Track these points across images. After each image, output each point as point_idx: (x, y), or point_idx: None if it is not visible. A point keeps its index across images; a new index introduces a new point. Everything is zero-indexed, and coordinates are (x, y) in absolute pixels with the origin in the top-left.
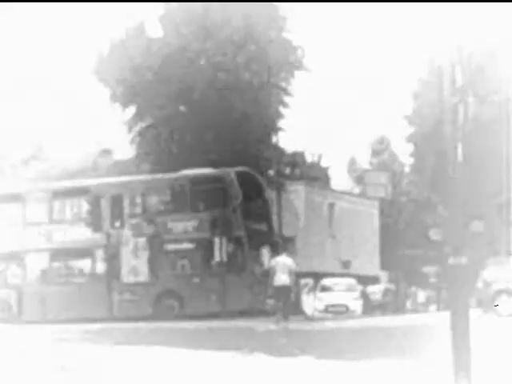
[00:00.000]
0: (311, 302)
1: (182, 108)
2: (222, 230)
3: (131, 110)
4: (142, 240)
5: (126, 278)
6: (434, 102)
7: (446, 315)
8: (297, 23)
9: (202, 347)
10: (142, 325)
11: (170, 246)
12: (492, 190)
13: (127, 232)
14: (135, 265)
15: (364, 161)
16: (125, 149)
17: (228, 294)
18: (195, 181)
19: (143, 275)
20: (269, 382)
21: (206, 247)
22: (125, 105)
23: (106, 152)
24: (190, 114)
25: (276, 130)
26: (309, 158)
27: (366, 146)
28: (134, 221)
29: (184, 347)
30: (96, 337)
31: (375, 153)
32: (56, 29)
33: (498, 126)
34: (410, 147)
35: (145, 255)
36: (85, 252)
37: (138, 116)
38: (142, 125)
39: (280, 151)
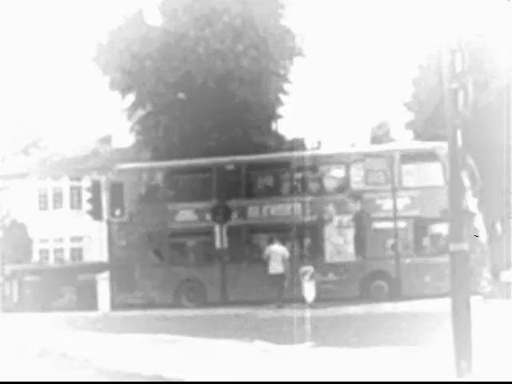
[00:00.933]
0: (312, 289)
1: (181, 95)
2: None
3: (130, 98)
4: (346, 218)
5: (330, 257)
6: (434, 88)
7: (447, 302)
8: (296, 10)
9: None
10: None
11: (379, 225)
12: (492, 176)
13: (330, 209)
14: (339, 243)
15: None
16: (124, 136)
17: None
18: (405, 155)
19: (349, 255)
20: (270, 368)
21: (418, 226)
22: (124, 92)
23: (106, 140)
24: (190, 101)
25: (275, 117)
26: (308, 145)
27: (366, 132)
28: (338, 197)
29: None
30: None
31: (375, 139)
32: (54, 16)
33: (498, 113)
34: (410, 134)
35: (350, 233)
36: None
37: (138, 104)
38: (141, 112)
39: (279, 138)
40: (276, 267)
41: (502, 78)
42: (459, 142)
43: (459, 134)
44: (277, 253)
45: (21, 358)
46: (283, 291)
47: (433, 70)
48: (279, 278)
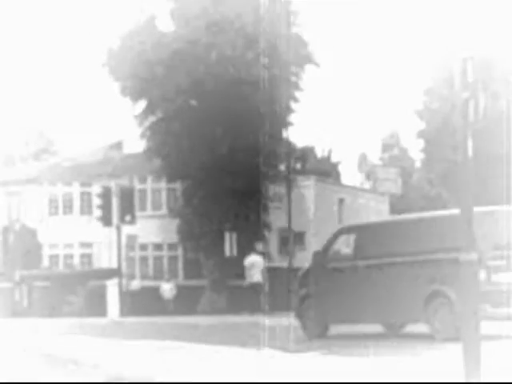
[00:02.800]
0: None
1: (192, 102)
2: None
3: (142, 104)
4: None
5: None
6: (446, 97)
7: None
8: (308, 18)
9: None
10: None
11: None
12: (502, 186)
13: None
14: None
15: (374, 156)
16: (135, 142)
17: None
18: None
19: None
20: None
21: None
22: (135, 98)
23: (117, 146)
24: (201, 108)
25: (286, 124)
26: (319, 153)
27: (377, 141)
28: None
29: None
30: None
31: (386, 148)
32: (67, 22)
33: (509, 122)
34: (421, 143)
35: None
36: None
37: (149, 110)
38: (152, 119)
39: (290, 146)
40: (255, 276)
41: None
42: (469, 151)
43: (470, 143)
44: (257, 263)
45: (29, 362)
46: (260, 299)
47: (444, 79)
48: (258, 286)
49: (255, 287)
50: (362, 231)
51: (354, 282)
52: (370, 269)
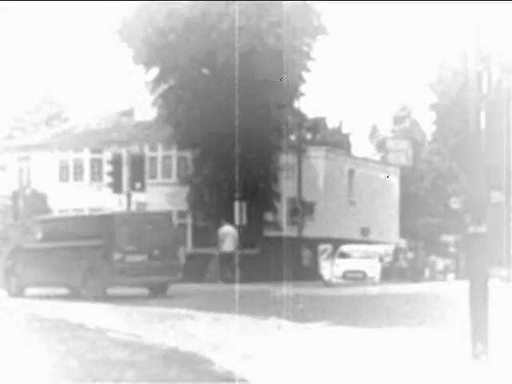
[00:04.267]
0: (329, 268)
1: (204, 71)
2: None
3: (154, 72)
4: None
5: None
6: (459, 70)
7: (464, 284)
8: None
9: None
10: None
11: None
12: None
13: None
14: None
15: (386, 128)
16: (147, 110)
17: None
18: None
19: None
20: (284, 346)
21: None
22: (148, 66)
23: (128, 113)
24: (213, 77)
25: (298, 95)
26: (330, 124)
27: (388, 113)
28: None
29: None
30: None
31: (397, 120)
32: None
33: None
34: (433, 115)
35: None
36: None
37: (161, 78)
38: (164, 87)
39: (301, 116)
40: (228, 246)
41: None
42: (482, 124)
43: (483, 116)
44: (228, 233)
45: (37, 328)
46: (233, 267)
47: (458, 52)
48: (230, 255)
49: (227, 256)
50: (48, 223)
51: (41, 259)
52: (50, 250)
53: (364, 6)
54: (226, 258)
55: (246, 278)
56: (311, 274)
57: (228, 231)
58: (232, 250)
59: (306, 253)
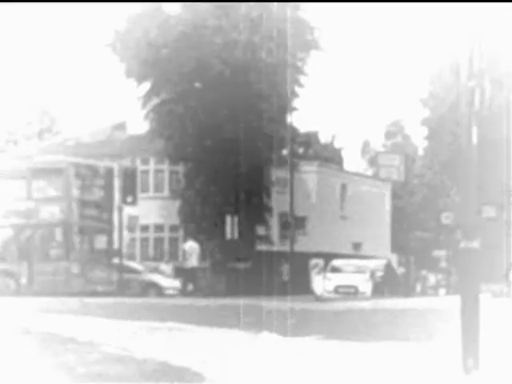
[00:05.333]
0: (321, 283)
1: (196, 85)
2: None
3: (146, 86)
4: None
5: None
6: (450, 85)
7: (455, 299)
8: (314, 3)
9: None
10: None
11: None
12: (505, 175)
13: None
14: None
15: (378, 143)
16: (139, 124)
17: None
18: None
19: None
20: (276, 360)
21: None
22: (140, 80)
23: (120, 126)
24: (205, 91)
25: (290, 109)
26: (322, 139)
27: (380, 128)
28: None
29: None
30: None
31: (389, 135)
32: (73, 2)
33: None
34: (425, 130)
35: None
36: None
37: (153, 91)
38: (156, 100)
39: (294, 131)
40: (192, 261)
41: None
42: (474, 139)
43: (474, 131)
44: (192, 249)
45: (27, 340)
46: (197, 282)
47: (450, 68)
48: (194, 270)
49: (192, 271)
50: None
51: None
52: None
53: (357, 21)
54: (190, 273)
55: (238, 292)
56: (298, 288)
57: (192, 247)
58: (195, 265)
59: (285, 268)
